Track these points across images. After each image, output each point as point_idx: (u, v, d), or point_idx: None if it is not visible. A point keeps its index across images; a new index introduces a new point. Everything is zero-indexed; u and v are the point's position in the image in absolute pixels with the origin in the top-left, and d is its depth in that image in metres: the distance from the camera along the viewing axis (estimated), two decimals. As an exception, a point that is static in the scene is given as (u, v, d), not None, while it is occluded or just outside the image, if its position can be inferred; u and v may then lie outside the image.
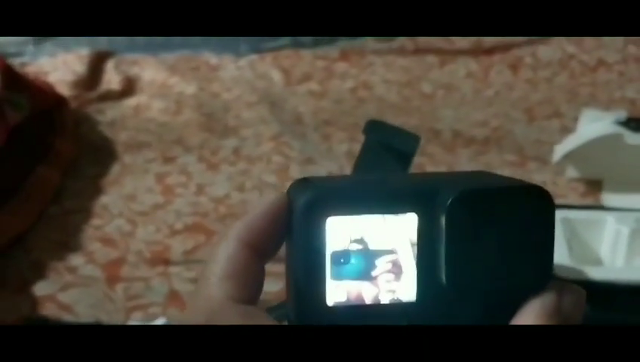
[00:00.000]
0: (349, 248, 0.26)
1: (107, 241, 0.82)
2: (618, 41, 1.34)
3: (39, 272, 0.76)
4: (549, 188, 0.94)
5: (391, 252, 0.26)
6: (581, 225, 0.68)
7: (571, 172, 0.91)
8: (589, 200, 0.87)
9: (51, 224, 0.86)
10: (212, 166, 1.00)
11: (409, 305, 0.26)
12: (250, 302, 0.25)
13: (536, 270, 0.25)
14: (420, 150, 1.08)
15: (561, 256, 0.63)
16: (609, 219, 0.67)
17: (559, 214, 0.69)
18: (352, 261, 0.26)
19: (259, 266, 0.26)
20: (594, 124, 0.86)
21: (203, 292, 0.25)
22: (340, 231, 0.25)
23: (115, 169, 1.00)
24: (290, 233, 0.26)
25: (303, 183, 0.27)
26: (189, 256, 0.78)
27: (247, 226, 0.26)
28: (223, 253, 0.26)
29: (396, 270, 0.26)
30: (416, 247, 0.26)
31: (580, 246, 0.67)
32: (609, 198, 0.85)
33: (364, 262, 0.26)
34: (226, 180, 0.95)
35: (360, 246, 0.26)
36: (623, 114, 0.87)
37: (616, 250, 0.65)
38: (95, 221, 0.87)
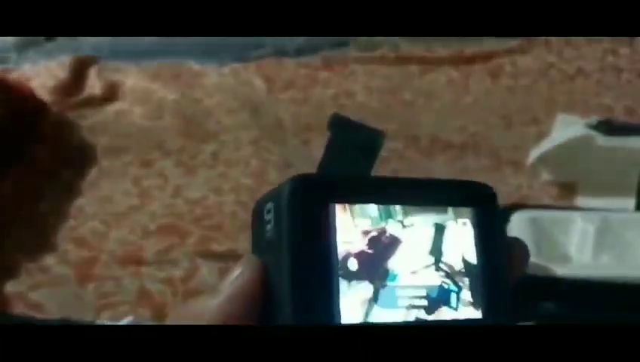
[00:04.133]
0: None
1: (80, 242, 0.82)
2: (597, 50, 1.36)
3: (10, 272, 0.76)
4: (524, 191, 0.95)
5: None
6: (549, 225, 0.68)
7: (546, 175, 0.91)
8: (562, 204, 0.88)
9: (25, 226, 0.86)
10: (190, 169, 1.00)
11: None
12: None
13: None
14: (398, 155, 1.10)
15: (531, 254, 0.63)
16: (576, 218, 0.67)
17: (528, 214, 0.69)
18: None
19: None
20: (567, 128, 0.87)
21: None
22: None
23: (93, 172, 1.00)
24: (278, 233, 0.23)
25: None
26: (162, 256, 0.78)
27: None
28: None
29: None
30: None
31: (549, 244, 0.68)
32: (583, 201, 0.85)
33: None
34: (203, 183, 0.95)
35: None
36: (595, 118, 0.88)
37: (583, 247, 0.66)
38: (69, 222, 0.87)
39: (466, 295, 0.24)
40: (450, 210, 0.25)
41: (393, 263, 0.24)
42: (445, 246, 0.24)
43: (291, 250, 0.22)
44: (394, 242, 0.24)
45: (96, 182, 0.97)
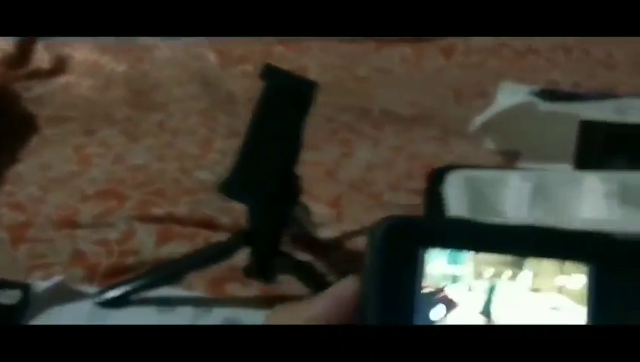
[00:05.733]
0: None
1: (16, 207, 0.80)
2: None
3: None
4: (468, 159, 0.95)
5: None
6: (485, 183, 0.68)
7: (489, 144, 0.92)
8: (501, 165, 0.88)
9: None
10: (134, 138, 0.98)
11: None
12: None
13: None
14: (349, 127, 1.09)
15: (461, 211, 0.64)
16: (512, 177, 0.68)
17: (464, 174, 0.70)
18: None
19: None
20: (510, 96, 0.87)
21: None
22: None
23: (34, 141, 0.97)
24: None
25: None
26: (98, 219, 0.77)
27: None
28: None
29: None
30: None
31: (484, 202, 0.68)
32: (525, 167, 0.86)
33: None
34: (146, 151, 0.94)
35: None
36: (538, 87, 0.89)
37: (519, 204, 0.66)
38: (7, 188, 0.84)
39: None
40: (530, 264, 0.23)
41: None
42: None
43: (368, 287, 0.23)
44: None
45: (37, 149, 0.95)
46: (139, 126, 1.02)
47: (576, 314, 0.23)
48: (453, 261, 0.24)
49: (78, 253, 0.71)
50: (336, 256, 0.73)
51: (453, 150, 0.94)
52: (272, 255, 0.59)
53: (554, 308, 0.23)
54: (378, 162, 0.95)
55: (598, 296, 0.23)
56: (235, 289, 0.66)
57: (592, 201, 0.66)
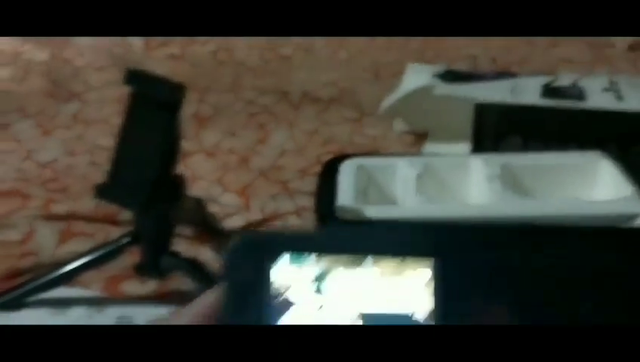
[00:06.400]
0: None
1: None
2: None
3: None
4: (380, 141, 0.97)
5: None
6: (376, 171, 0.70)
7: (400, 125, 0.94)
8: (415, 152, 0.90)
9: None
10: (47, 131, 0.98)
11: None
12: None
13: None
14: (268, 110, 1.10)
15: (349, 199, 0.65)
16: (400, 164, 0.69)
17: (356, 162, 0.71)
18: None
19: None
20: (415, 77, 0.89)
21: None
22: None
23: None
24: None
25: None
26: (1, 220, 0.77)
27: None
28: None
29: None
30: None
31: (375, 189, 0.70)
32: (431, 148, 0.88)
33: None
34: (58, 145, 0.93)
35: None
36: (443, 67, 0.90)
37: (407, 192, 0.68)
38: None
39: None
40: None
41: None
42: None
43: (225, 300, 0.25)
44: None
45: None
46: (54, 118, 1.01)
47: (422, 305, 0.24)
48: (296, 263, 0.25)
49: (-23, 256, 0.71)
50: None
51: (366, 132, 0.96)
52: (160, 253, 0.60)
53: (398, 299, 0.24)
54: (291, 147, 0.96)
55: (443, 287, 0.23)
56: (131, 287, 0.67)
57: (477, 186, 0.68)
